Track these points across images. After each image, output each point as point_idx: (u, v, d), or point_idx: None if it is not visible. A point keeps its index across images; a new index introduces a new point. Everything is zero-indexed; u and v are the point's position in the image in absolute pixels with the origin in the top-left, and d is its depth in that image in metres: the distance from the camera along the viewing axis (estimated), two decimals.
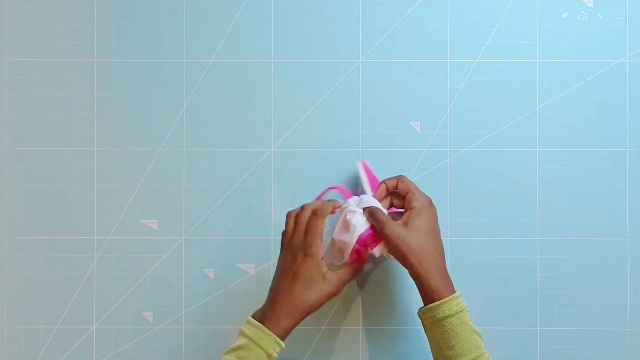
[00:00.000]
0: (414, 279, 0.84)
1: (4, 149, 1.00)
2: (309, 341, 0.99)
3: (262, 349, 0.81)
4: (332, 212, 0.88)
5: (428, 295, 0.82)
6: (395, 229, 0.83)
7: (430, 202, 0.87)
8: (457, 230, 0.99)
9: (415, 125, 1.00)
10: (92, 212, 1.00)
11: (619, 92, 1.00)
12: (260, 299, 0.98)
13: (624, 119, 0.99)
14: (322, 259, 0.85)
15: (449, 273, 0.86)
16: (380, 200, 0.89)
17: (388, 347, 0.99)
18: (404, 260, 0.83)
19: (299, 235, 0.85)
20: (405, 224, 0.84)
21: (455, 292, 0.83)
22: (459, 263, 0.99)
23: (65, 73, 1.00)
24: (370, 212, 0.86)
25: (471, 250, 0.99)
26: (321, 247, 0.85)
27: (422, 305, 0.84)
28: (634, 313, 0.99)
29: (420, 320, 0.86)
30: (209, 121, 1.00)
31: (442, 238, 0.88)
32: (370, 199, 0.88)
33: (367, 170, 0.94)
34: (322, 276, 0.84)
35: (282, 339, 0.82)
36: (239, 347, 0.82)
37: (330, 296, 0.84)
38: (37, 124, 1.00)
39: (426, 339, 0.85)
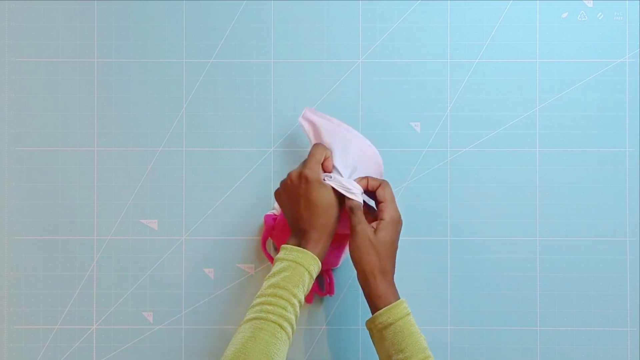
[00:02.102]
0: (362, 284, 0.86)
1: (4, 149, 1.00)
2: (309, 341, 0.99)
3: (304, 267, 0.83)
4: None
5: (374, 302, 0.85)
6: (366, 230, 0.86)
7: (399, 218, 0.88)
8: (457, 230, 0.99)
9: (415, 125, 1.00)
10: (92, 212, 1.00)
11: (619, 92, 1.00)
12: None
13: (624, 119, 1.00)
14: (322, 178, 0.87)
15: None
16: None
17: None
18: (360, 259, 0.85)
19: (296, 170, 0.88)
20: (374, 232, 0.86)
21: (400, 298, 0.86)
22: (459, 263, 0.99)
23: (65, 73, 1.00)
24: (351, 207, 0.87)
25: (471, 250, 0.99)
26: (317, 170, 0.87)
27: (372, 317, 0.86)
28: (634, 313, 0.99)
29: (367, 330, 0.88)
30: (209, 121, 1.00)
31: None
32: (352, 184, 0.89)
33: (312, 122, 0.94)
34: (330, 193, 0.87)
35: (322, 256, 0.86)
36: (282, 270, 0.83)
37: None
38: (37, 124, 1.00)
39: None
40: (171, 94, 1.00)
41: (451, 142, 1.00)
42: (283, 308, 0.80)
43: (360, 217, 0.86)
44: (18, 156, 1.00)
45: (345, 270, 0.99)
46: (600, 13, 1.00)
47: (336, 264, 0.96)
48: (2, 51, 1.00)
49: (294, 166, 0.99)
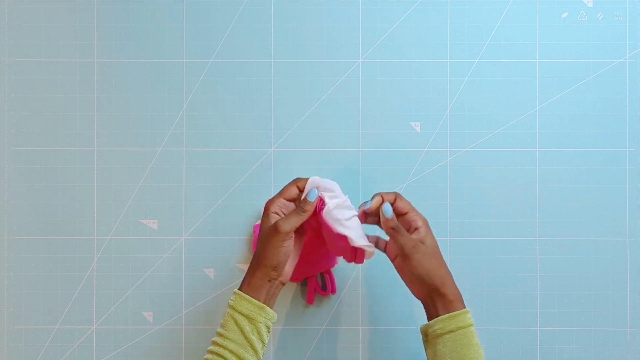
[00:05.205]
0: (427, 295, 0.84)
1: (4, 149, 1.00)
2: (309, 341, 0.99)
3: (237, 311, 0.84)
4: (299, 190, 0.87)
5: (446, 306, 0.83)
6: (428, 242, 0.84)
7: (427, 222, 0.87)
8: (457, 230, 0.99)
9: (415, 125, 1.00)
10: (92, 212, 1.00)
11: (619, 92, 1.00)
12: None
13: (624, 119, 1.00)
14: (274, 212, 0.85)
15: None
16: (372, 211, 0.86)
17: (388, 347, 0.99)
18: (433, 270, 0.83)
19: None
20: (422, 242, 0.84)
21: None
22: (459, 263, 0.99)
23: (65, 73, 1.00)
24: (392, 228, 0.84)
25: (471, 250, 0.99)
26: (275, 203, 0.85)
27: (427, 319, 0.84)
28: (634, 313, 0.99)
29: (421, 334, 0.85)
30: (209, 121, 1.00)
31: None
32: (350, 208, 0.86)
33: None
34: (268, 227, 0.84)
35: (260, 295, 0.84)
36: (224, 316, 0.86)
37: (279, 243, 0.83)
38: (37, 124, 1.00)
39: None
40: (171, 94, 1.00)
41: (451, 142, 1.00)
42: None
43: (407, 234, 0.84)
44: (18, 156, 1.00)
45: (345, 271, 0.99)
46: (600, 13, 1.00)
47: (335, 264, 0.97)
48: (2, 51, 1.00)
49: (293, 166, 1.00)
